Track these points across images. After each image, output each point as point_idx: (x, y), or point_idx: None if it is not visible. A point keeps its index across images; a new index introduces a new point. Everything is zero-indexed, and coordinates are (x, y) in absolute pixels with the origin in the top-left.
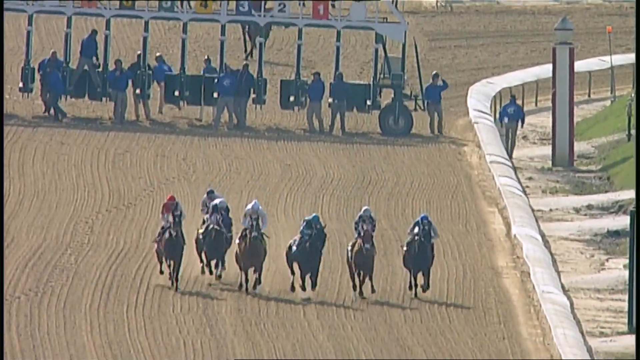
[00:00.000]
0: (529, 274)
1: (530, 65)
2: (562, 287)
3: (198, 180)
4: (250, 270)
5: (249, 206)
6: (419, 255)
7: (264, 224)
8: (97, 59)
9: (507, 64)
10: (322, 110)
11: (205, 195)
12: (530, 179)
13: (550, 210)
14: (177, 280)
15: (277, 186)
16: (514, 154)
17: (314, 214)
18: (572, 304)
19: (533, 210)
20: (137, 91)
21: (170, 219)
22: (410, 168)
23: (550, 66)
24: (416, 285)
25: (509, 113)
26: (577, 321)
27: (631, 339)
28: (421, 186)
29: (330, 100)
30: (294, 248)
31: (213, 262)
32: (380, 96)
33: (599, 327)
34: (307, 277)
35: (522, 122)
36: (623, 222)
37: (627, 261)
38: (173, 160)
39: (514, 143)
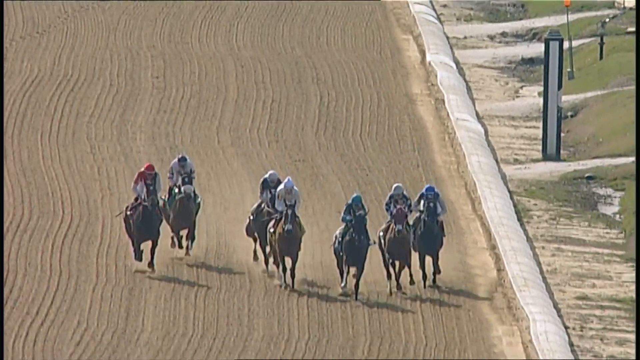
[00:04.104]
0: (444, 101)
1: None
2: (477, 114)
3: (112, 8)
4: (288, 260)
5: (282, 186)
6: (425, 237)
7: (298, 205)
8: None
9: None
10: None
11: (175, 160)
12: (444, 6)
13: (465, 37)
14: (152, 259)
15: (191, 14)
16: None
17: (355, 195)
18: (486, 131)
19: (447, 38)
20: None
21: (145, 191)
22: None
23: None
24: (424, 275)
25: None
26: (491, 148)
27: (544, 166)
28: (336, 13)
29: None
30: (338, 239)
31: (184, 232)
32: None
33: (513, 154)
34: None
35: None
36: (537, 49)
37: (541, 89)
38: None
39: None
